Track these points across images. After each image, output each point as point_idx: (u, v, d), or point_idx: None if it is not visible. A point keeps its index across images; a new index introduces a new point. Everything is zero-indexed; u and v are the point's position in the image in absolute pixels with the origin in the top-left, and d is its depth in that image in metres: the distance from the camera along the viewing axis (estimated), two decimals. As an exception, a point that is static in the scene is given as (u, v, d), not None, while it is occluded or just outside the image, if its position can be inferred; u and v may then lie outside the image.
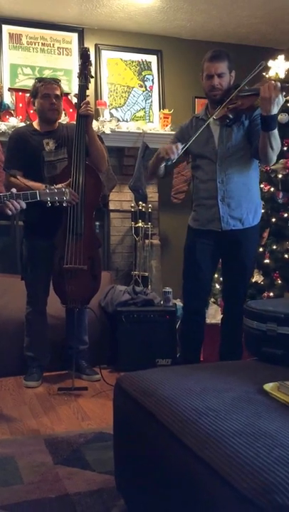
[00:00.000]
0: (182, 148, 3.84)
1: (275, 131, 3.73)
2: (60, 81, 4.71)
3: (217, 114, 3.95)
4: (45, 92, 4.49)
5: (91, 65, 4.79)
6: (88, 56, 4.75)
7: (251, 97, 3.79)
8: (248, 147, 4.01)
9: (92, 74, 4.85)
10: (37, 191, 3.76)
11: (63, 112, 5.64)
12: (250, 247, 4.14)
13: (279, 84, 3.54)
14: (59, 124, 4.71)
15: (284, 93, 3.57)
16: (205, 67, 3.96)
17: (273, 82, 3.58)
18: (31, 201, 3.73)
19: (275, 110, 3.60)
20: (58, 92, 4.56)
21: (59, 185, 4.00)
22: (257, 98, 3.72)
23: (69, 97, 6.12)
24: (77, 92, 5.91)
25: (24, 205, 3.71)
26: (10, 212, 3.66)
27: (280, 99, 3.57)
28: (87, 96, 4.73)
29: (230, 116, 3.87)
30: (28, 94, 5.88)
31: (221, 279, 4.53)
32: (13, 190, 3.72)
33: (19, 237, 5.62)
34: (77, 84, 4.74)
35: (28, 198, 3.71)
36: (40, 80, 4.66)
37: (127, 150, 6.41)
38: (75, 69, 6.32)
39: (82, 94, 4.67)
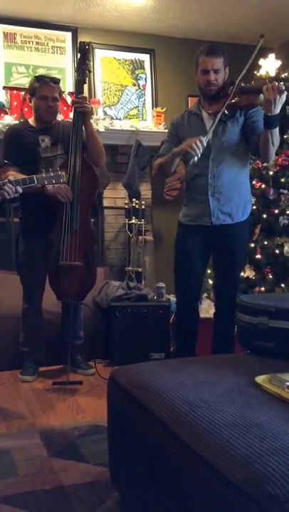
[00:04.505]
0: (206, 141, 3.78)
1: (277, 128, 3.77)
2: (59, 80, 4.64)
3: (213, 108, 3.96)
4: (42, 93, 4.45)
5: (89, 59, 4.73)
6: (86, 50, 4.68)
7: (251, 95, 3.80)
8: (241, 143, 4.03)
9: (90, 68, 4.82)
10: (34, 176, 3.76)
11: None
12: (240, 241, 4.15)
13: (283, 85, 3.56)
14: (55, 122, 4.69)
15: (286, 92, 3.60)
16: (201, 62, 3.94)
17: (276, 83, 3.59)
18: (30, 185, 3.74)
19: (278, 110, 3.63)
20: (57, 94, 4.52)
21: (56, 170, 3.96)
22: (257, 96, 3.75)
23: (63, 95, 6.12)
24: (71, 91, 5.94)
25: (20, 190, 3.71)
26: (7, 196, 3.66)
27: (283, 98, 3.60)
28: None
29: (226, 111, 3.87)
30: (22, 93, 5.89)
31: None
32: (10, 177, 3.74)
33: (14, 234, 5.63)
34: (75, 79, 4.72)
35: (26, 182, 3.72)
36: (38, 79, 4.55)
37: (121, 148, 6.43)
38: (69, 67, 6.36)
39: (79, 89, 4.62)
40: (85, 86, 4.91)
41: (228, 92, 3.89)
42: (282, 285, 5.11)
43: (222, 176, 3.99)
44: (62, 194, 4.31)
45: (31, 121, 4.70)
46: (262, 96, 3.70)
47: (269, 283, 5.19)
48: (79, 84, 4.64)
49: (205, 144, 3.75)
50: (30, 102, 4.61)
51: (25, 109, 5.88)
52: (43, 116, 4.55)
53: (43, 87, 4.48)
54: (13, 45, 6.23)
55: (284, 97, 3.60)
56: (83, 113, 4.50)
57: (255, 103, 3.81)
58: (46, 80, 4.54)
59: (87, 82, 4.82)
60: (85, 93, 5.96)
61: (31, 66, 6.30)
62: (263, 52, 5.91)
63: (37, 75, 4.88)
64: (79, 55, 4.71)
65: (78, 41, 4.70)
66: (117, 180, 6.43)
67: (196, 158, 3.76)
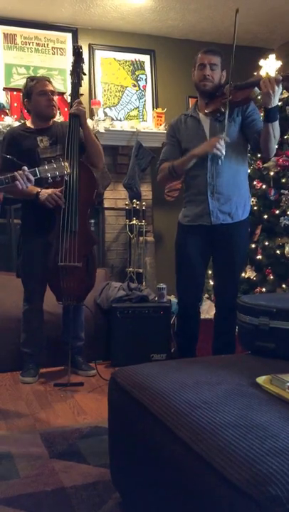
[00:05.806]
0: (226, 137, 3.83)
1: (277, 121, 3.79)
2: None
3: (209, 108, 3.98)
4: (41, 89, 4.48)
5: (83, 62, 4.77)
6: (80, 54, 4.73)
7: (246, 90, 3.82)
8: (240, 142, 4.04)
9: (85, 71, 4.85)
10: (36, 168, 3.70)
11: (58, 111, 5.66)
12: (240, 241, 4.16)
13: (279, 76, 3.59)
14: (53, 122, 4.69)
15: (282, 83, 3.61)
16: (198, 59, 4.01)
17: (270, 75, 3.63)
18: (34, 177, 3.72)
19: (277, 101, 3.65)
20: (53, 89, 4.56)
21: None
22: (252, 90, 3.77)
23: (64, 96, 6.14)
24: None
25: (33, 179, 3.66)
26: (20, 187, 3.61)
27: (280, 88, 3.62)
28: (82, 95, 4.73)
29: (222, 110, 3.88)
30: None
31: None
32: (25, 167, 3.68)
33: (15, 235, 5.62)
34: (70, 82, 4.75)
35: None
36: (32, 78, 4.62)
37: (121, 149, 6.43)
38: (70, 68, 6.36)
39: (75, 92, 4.64)
40: (86, 87, 4.94)
41: (224, 91, 3.92)
42: (283, 286, 5.10)
43: (221, 175, 3.99)
44: (51, 201, 4.34)
45: (29, 123, 4.70)
46: (257, 89, 3.73)
47: (270, 283, 5.18)
48: (74, 87, 4.67)
49: (228, 140, 3.83)
50: (29, 105, 4.61)
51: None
52: (44, 111, 4.56)
53: (40, 82, 4.53)
54: (14, 46, 6.24)
55: (281, 86, 3.62)
56: (77, 115, 4.51)
57: (251, 97, 3.82)
58: (40, 77, 4.62)
59: (84, 85, 4.82)
60: (86, 94, 5.99)
61: (31, 67, 6.30)
62: (263, 53, 5.93)
63: (29, 76, 4.87)
64: (73, 58, 4.75)
65: (78, 43, 4.70)
66: (117, 181, 6.44)
67: (223, 158, 3.84)
